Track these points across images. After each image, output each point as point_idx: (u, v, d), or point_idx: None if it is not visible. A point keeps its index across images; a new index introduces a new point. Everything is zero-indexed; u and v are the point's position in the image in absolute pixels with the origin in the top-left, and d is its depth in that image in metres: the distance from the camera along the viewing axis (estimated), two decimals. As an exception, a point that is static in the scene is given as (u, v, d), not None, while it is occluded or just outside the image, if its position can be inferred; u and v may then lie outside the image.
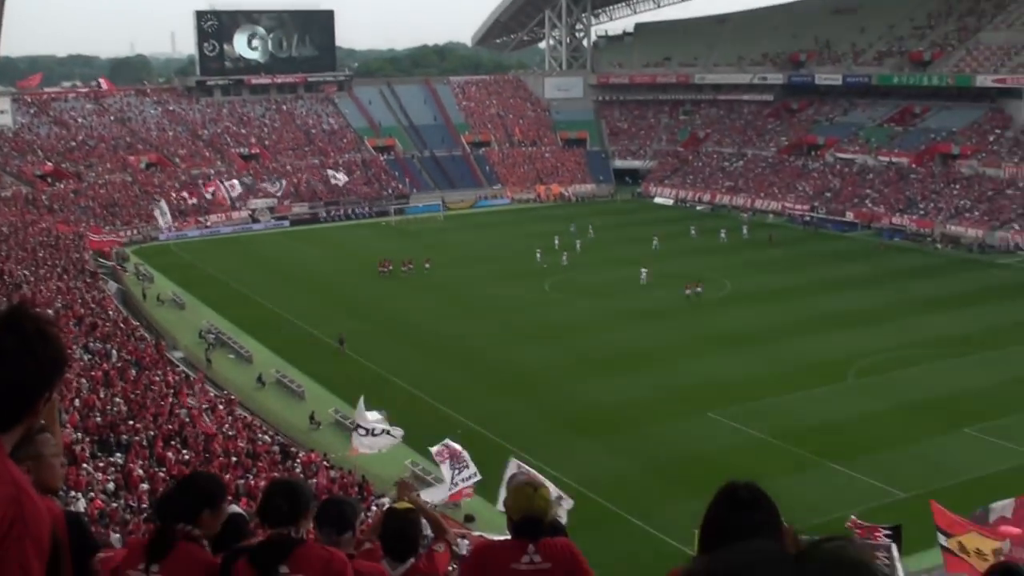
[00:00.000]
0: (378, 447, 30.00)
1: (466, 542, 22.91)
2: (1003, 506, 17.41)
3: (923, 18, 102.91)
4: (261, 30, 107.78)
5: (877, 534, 16.22)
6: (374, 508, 24.20)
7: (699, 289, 57.65)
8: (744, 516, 3.17)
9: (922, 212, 79.29)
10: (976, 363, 44.56)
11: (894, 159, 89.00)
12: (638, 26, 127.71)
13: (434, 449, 27.84)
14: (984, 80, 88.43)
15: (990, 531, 15.79)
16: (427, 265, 66.15)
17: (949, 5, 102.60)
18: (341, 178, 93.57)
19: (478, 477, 27.20)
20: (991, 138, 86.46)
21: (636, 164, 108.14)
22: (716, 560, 1.96)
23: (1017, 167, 79.72)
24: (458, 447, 27.62)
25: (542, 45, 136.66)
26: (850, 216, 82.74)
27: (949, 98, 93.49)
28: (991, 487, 29.18)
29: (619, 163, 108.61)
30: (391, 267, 65.68)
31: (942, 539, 15.76)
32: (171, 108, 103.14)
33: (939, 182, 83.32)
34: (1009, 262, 67.80)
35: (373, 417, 30.22)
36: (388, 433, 29.34)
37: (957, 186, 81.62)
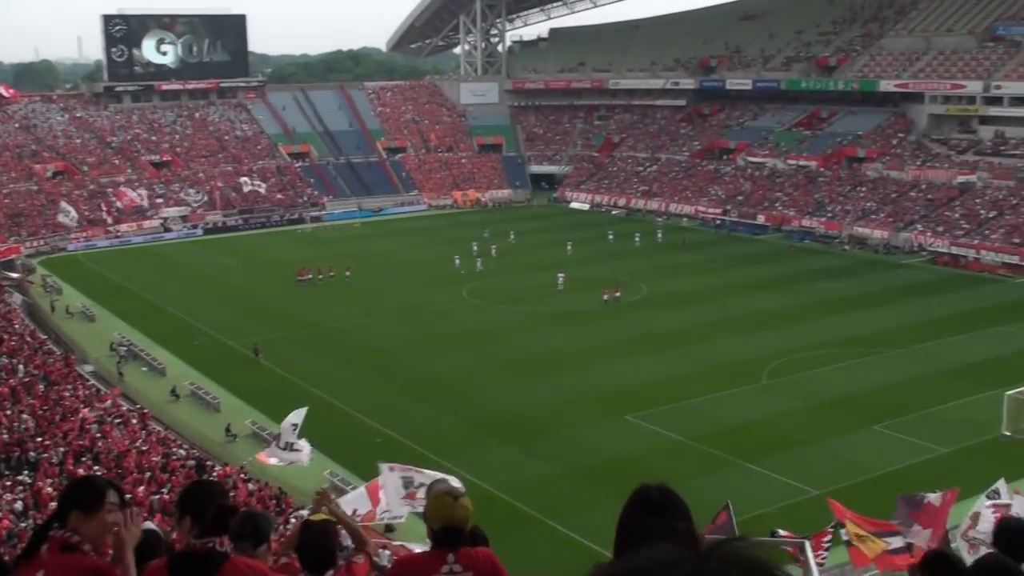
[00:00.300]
0: (288, 461, 29.64)
1: (387, 552, 22.82)
2: (935, 497, 17.90)
3: (828, 24, 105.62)
4: (171, 35, 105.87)
5: (821, 539, 16.40)
6: (292, 520, 23.98)
7: (618, 294, 58.14)
8: (655, 519, 3.23)
9: (830, 215, 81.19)
10: (884, 361, 45.79)
11: (803, 163, 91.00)
12: (552, 31, 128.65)
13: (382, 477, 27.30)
14: (887, 85, 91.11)
15: (873, 524, 16.23)
16: (348, 273, 65.67)
17: (853, 12, 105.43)
18: (253, 184, 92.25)
19: (402, 519, 27.05)
20: (894, 141, 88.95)
21: (552, 169, 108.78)
22: (615, 564, 2.03)
23: (919, 170, 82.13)
24: (399, 483, 27.29)
25: (457, 50, 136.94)
26: (761, 219, 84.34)
27: (854, 103, 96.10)
28: (900, 482, 30.01)
29: (535, 168, 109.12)
30: (310, 276, 65.04)
31: (843, 533, 16.16)
32: (79, 115, 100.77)
33: (846, 185, 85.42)
34: (913, 262, 69.81)
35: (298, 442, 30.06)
36: (292, 447, 28.90)
37: (863, 189, 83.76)
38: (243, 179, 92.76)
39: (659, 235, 79.49)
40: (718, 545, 1.96)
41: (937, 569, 4.93)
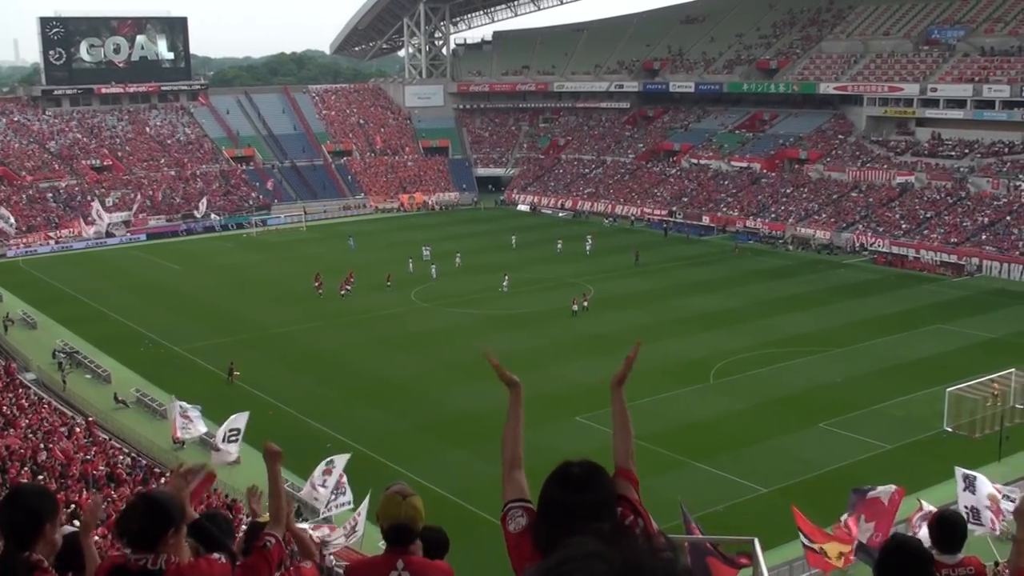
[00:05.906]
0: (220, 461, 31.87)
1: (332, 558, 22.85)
2: (884, 491, 18.16)
3: (768, 28, 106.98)
4: (111, 37, 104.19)
5: (742, 560, 16.60)
6: (243, 527, 23.80)
7: (586, 303, 57.23)
8: (576, 495, 3.25)
9: (774, 215, 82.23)
10: (828, 360, 46.50)
11: (746, 164, 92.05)
12: (496, 34, 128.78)
13: (320, 468, 28.48)
14: (827, 88, 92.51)
15: (845, 535, 16.56)
16: (356, 281, 63.38)
17: (792, 15, 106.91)
18: (207, 207, 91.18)
19: (351, 505, 27.94)
20: (835, 143, 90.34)
21: (498, 172, 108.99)
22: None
23: (859, 171, 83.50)
24: (340, 470, 28.29)
25: (401, 53, 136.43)
26: (706, 220, 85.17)
27: (795, 105, 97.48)
28: (845, 478, 30.58)
29: (481, 171, 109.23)
30: (352, 283, 62.19)
31: (804, 540, 16.42)
32: (16, 119, 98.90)
33: (788, 186, 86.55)
34: (854, 262, 70.95)
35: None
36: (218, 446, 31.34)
37: (805, 190, 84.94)
38: (202, 201, 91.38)
39: (589, 241, 75.79)
40: (644, 557, 1.94)
41: (897, 557, 4.99)
